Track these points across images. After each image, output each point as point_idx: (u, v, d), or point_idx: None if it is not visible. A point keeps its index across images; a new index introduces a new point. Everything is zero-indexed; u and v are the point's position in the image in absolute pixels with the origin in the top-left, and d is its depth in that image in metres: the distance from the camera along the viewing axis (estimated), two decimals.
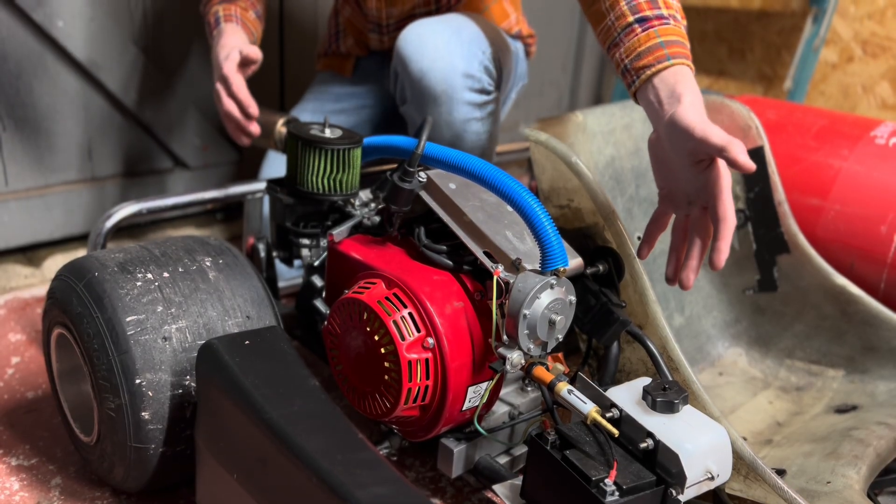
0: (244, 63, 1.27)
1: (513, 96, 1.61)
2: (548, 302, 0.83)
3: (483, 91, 1.30)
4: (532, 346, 0.85)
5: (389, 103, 1.61)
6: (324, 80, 1.66)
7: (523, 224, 0.90)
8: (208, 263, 0.95)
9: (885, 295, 1.24)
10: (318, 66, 1.70)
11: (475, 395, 0.90)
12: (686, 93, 0.90)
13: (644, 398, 0.79)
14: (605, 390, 0.81)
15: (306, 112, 1.59)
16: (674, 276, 0.96)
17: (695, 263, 0.94)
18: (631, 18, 0.95)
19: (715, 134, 0.85)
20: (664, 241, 1.28)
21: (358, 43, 1.60)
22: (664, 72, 0.92)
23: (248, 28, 1.39)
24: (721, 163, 0.88)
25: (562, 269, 0.85)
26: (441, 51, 1.26)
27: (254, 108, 1.24)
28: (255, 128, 1.26)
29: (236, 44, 1.28)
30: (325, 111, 1.59)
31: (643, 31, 0.94)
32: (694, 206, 0.94)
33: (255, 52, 1.27)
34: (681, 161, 0.91)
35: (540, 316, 0.83)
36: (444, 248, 0.95)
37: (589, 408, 0.78)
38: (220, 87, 1.25)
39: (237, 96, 1.23)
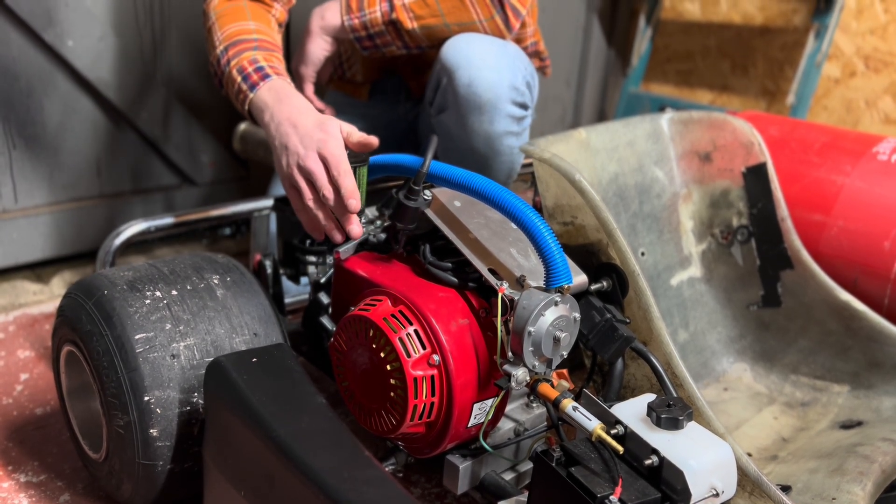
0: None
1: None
2: (552, 319, 0.84)
3: (524, 105, 1.31)
4: (537, 363, 0.86)
5: (403, 125, 1.60)
6: (336, 101, 1.61)
7: (527, 241, 0.91)
8: (216, 281, 0.96)
9: (888, 310, 1.24)
10: (331, 87, 1.65)
11: (480, 411, 0.90)
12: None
13: (649, 415, 0.79)
14: (609, 407, 0.82)
15: None
16: None
17: None
18: None
19: None
20: (668, 255, 1.29)
21: (370, 68, 1.57)
22: None
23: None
24: None
25: (566, 286, 0.86)
26: (489, 60, 1.26)
27: (357, 202, 0.99)
28: (356, 228, 1.01)
29: (331, 119, 1.02)
30: None
31: None
32: None
33: (375, 140, 1.02)
34: None
35: (545, 333, 0.84)
36: (450, 265, 0.95)
37: (594, 424, 0.79)
38: (314, 168, 0.98)
39: (340, 184, 0.97)
